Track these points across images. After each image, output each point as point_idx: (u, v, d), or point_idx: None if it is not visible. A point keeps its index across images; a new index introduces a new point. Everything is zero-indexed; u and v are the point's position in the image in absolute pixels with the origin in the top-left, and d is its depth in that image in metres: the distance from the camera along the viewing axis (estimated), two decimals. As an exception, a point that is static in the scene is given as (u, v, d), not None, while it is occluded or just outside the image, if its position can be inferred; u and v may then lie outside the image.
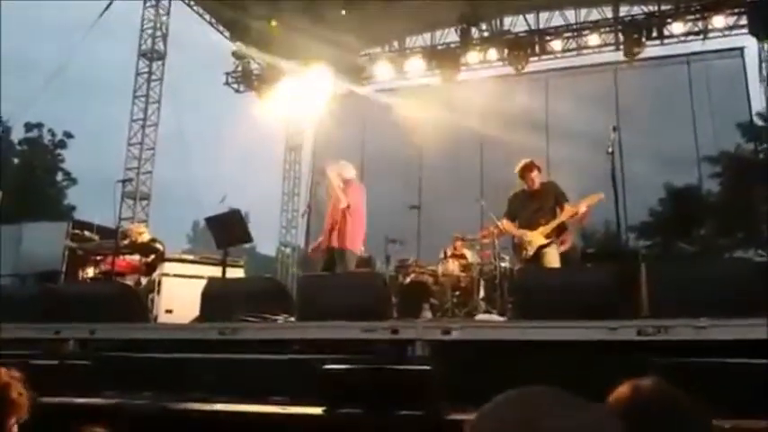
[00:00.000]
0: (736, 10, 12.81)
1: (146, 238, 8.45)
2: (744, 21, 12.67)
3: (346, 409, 3.32)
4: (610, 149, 5.90)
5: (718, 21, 12.90)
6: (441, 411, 3.17)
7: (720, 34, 13.12)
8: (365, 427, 3.23)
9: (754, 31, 12.50)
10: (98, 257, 8.46)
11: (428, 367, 3.42)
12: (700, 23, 13.07)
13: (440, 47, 14.59)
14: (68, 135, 31.27)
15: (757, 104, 13.56)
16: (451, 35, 14.39)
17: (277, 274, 15.90)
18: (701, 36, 13.14)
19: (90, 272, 8.48)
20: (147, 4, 14.89)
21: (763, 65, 13.17)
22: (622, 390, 1.37)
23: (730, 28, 13.01)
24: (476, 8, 13.59)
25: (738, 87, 12.63)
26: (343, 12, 13.14)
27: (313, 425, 3.36)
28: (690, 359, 3.33)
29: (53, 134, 30.88)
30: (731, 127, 13.41)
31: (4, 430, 2.08)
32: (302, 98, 15.57)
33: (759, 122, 14.76)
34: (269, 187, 19.17)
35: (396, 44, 15.30)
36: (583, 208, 6.39)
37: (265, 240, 23.51)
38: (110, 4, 13.97)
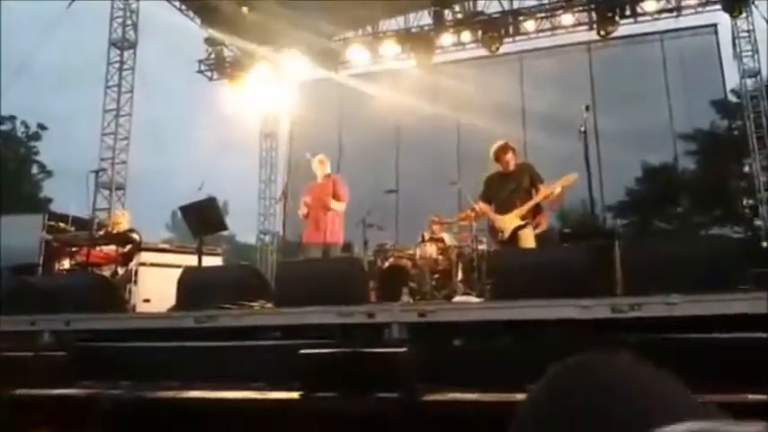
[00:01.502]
0: (708, -14, 12.89)
1: (123, 227, 8.37)
2: (716, -3, 12.75)
3: (322, 393, 3.33)
4: (582, 128, 5.93)
5: (691, -3, 12.98)
6: (416, 393, 3.19)
7: (693, 11, 13.19)
8: (341, 409, 3.24)
9: (727, 8, 12.58)
10: (74, 249, 8.38)
11: (403, 349, 3.43)
12: (672, 0, 13.12)
13: (413, 30, 14.51)
14: (42, 127, 30.88)
15: (731, 81, 13.69)
16: (425, 18, 14.33)
17: (257, 261, 15.84)
18: (675, 13, 13.21)
19: (66, 263, 8.41)
20: (117, -8, 14.63)
21: (736, 41, 13.29)
22: None
23: (703, 4, 13.08)
24: (448, -10, 13.56)
25: (712, 64, 12.77)
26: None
27: (290, 409, 3.37)
28: (663, 335, 3.37)
29: (26, 126, 30.47)
30: (706, 104, 13.56)
31: None
32: (276, 84, 15.47)
33: (733, 99, 14.88)
34: (246, 175, 19.05)
35: (369, 28, 15.19)
36: (557, 189, 6.41)
37: (245, 228, 23.40)
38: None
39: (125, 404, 3.82)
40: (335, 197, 7.50)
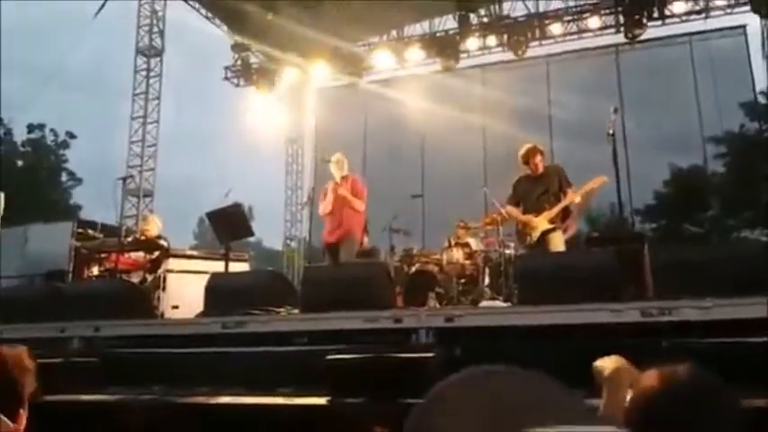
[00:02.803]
0: (737, -13, 12.70)
1: (153, 233, 8.43)
2: (745, -3, 12.55)
3: (350, 399, 3.32)
4: (611, 131, 5.85)
5: (720, -2, 12.79)
6: (445, 399, 3.16)
7: (722, 12, 13.00)
8: (369, 415, 3.23)
9: (756, 8, 12.35)
10: (103, 255, 8.47)
11: (431, 354, 3.41)
12: (701, 2, 12.95)
13: (439, 34, 14.49)
14: (71, 135, 31.34)
15: (760, 83, 13.42)
16: (450, 22, 14.31)
17: (283, 267, 15.92)
18: (703, 15, 13.02)
19: (95, 270, 8.49)
20: (143, 1, 14.83)
21: (766, 42, 13.04)
22: (654, 377, 1.34)
23: (732, 6, 12.88)
24: (474, -6, 13.54)
25: (741, 66, 12.52)
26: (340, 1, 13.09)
27: (318, 415, 3.36)
28: (695, 339, 3.31)
29: (56, 134, 30.96)
30: (735, 106, 13.31)
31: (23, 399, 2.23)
32: (302, 90, 15.57)
33: (762, 101, 14.60)
34: (273, 181, 19.18)
35: (394, 33, 15.21)
36: (587, 191, 6.34)
37: (271, 234, 23.53)
38: (105, 2, 13.93)
39: (155, 410, 3.84)
40: (353, 195, 7.35)
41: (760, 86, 13.57)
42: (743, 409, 1.32)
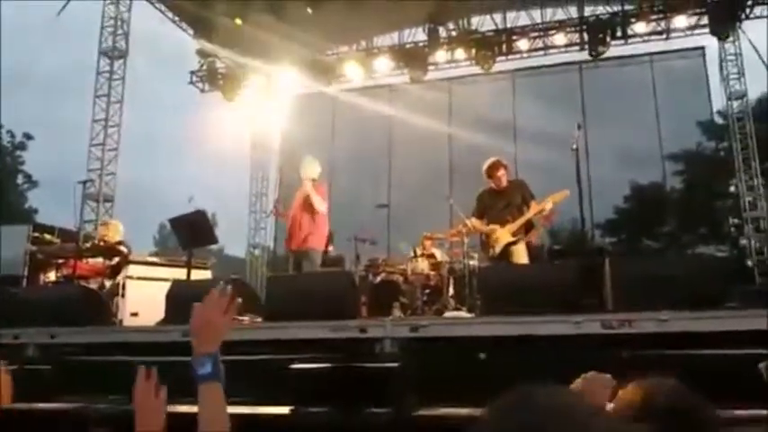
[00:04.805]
0: (697, 10, 13.06)
1: (114, 238, 8.26)
2: (705, 21, 12.92)
3: (314, 408, 3.29)
4: (574, 146, 5.95)
5: (680, 21, 13.12)
6: (410, 408, 3.16)
7: (682, 34, 13.35)
8: (334, 425, 3.21)
9: (714, 31, 12.75)
10: (60, 261, 8.27)
11: (396, 364, 3.40)
12: (662, 23, 13.29)
13: (408, 46, 14.58)
14: (28, 136, 30.64)
15: (717, 103, 13.83)
16: (419, 34, 14.41)
17: (246, 275, 15.72)
18: (664, 36, 13.37)
19: (52, 276, 8.29)
20: (108, 1, 14.55)
21: (724, 64, 13.46)
22: (633, 390, 1.35)
23: (692, 28, 13.24)
24: (443, 8, 13.63)
25: (699, 86, 12.92)
26: (309, 10, 13.06)
27: (280, 425, 3.32)
28: (653, 351, 3.38)
29: (12, 135, 30.19)
30: (693, 125, 13.68)
31: None
32: (269, 97, 15.47)
33: (719, 121, 15.03)
34: (237, 188, 18.97)
35: (363, 43, 15.26)
36: (549, 205, 6.43)
37: (234, 242, 23.29)
38: (68, 1, 13.64)
39: (111, 420, 3.76)
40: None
41: (717, 106, 14.00)
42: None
